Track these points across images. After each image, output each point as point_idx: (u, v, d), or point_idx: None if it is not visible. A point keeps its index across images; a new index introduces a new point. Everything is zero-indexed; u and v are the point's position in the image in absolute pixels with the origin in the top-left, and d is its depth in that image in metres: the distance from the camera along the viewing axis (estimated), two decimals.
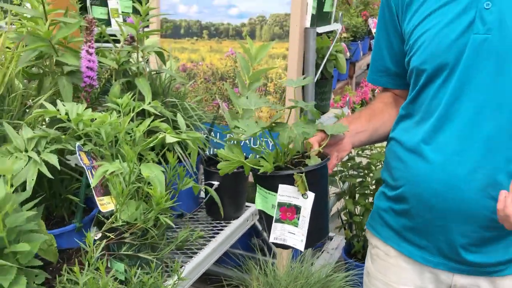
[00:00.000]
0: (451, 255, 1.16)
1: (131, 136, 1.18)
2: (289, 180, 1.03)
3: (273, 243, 1.08)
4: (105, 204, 1.06)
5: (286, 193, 1.05)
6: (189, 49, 2.07)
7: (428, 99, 1.15)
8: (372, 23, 5.27)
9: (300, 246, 1.05)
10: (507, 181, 1.04)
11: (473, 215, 1.09)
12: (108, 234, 1.02)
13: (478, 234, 1.11)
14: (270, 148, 1.22)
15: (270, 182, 1.06)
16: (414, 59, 1.17)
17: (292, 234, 1.05)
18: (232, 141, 1.14)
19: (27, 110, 1.25)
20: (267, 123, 1.11)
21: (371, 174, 2.38)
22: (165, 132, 1.19)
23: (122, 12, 2.30)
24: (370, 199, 2.36)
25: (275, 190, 1.05)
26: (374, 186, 2.37)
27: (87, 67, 1.24)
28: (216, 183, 1.48)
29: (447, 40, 1.09)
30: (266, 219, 1.11)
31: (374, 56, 1.36)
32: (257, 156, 1.12)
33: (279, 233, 1.07)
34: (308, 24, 2.00)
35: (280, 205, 1.05)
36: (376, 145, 2.36)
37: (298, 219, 1.05)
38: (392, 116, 1.31)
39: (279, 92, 1.92)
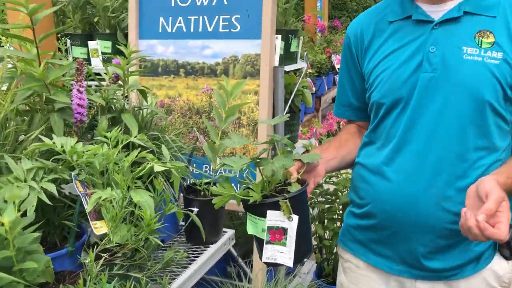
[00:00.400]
0: (413, 262, 1.27)
1: (119, 166, 1.28)
2: (276, 206, 1.15)
3: (265, 262, 1.18)
4: (99, 227, 1.15)
5: (274, 217, 1.16)
6: (167, 86, 2.16)
7: (387, 128, 1.29)
8: (336, 59, 5.47)
9: (290, 263, 1.16)
10: (456, 196, 1.18)
11: (430, 226, 1.21)
12: (102, 254, 1.11)
13: (436, 243, 1.23)
14: (247, 172, 1.34)
15: (259, 210, 1.18)
16: (374, 94, 1.31)
17: (281, 253, 1.16)
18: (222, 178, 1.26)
19: (19, 145, 1.34)
20: (250, 159, 1.24)
21: (338, 200, 2.45)
22: (151, 162, 1.29)
23: (102, 52, 2.40)
24: (338, 224, 2.43)
25: (264, 216, 1.17)
26: (341, 211, 2.44)
27: (78, 104, 1.33)
28: (195, 209, 1.57)
29: (401, 78, 1.24)
30: (257, 242, 1.22)
31: (338, 93, 1.50)
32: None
33: (270, 253, 1.17)
34: (276, 63, 2.14)
35: (269, 228, 1.16)
36: (342, 172, 2.44)
37: (286, 239, 1.16)
38: (356, 145, 1.44)
39: (251, 125, 2.04)
